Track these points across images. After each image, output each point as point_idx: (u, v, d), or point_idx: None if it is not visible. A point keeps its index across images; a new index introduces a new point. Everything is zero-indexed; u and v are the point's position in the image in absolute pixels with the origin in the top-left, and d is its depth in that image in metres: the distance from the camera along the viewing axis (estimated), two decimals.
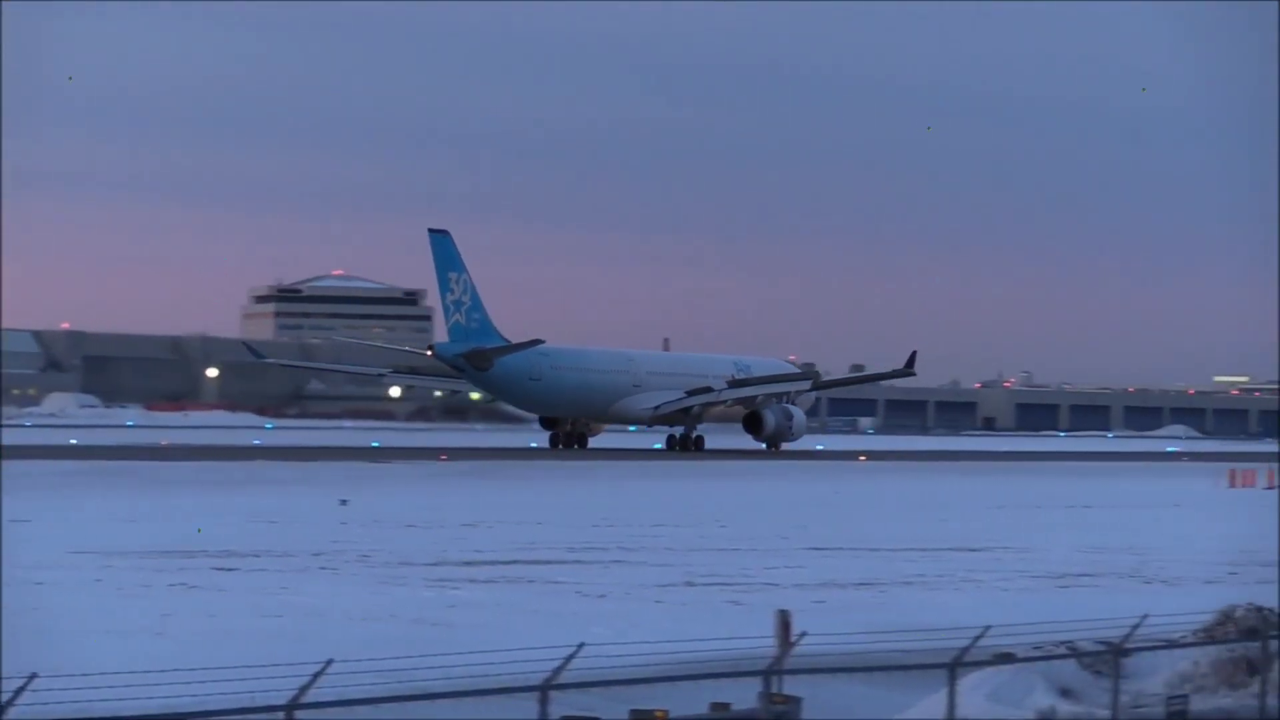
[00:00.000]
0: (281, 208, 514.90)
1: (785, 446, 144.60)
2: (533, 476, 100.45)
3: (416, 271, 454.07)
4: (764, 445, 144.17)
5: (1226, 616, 34.09)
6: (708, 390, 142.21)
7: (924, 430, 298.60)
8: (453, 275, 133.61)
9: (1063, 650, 31.13)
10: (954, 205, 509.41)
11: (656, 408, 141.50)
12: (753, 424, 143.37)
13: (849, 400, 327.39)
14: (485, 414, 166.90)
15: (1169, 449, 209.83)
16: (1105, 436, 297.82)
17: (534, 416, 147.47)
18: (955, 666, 24.98)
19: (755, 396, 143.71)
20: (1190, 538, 62.83)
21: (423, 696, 21.61)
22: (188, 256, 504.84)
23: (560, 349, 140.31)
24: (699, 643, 28.00)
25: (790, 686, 24.37)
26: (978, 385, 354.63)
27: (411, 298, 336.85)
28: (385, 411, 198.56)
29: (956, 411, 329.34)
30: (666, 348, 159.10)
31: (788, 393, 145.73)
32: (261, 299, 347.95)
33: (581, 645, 22.80)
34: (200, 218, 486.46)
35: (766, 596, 41.61)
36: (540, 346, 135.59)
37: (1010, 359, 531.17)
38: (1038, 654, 30.67)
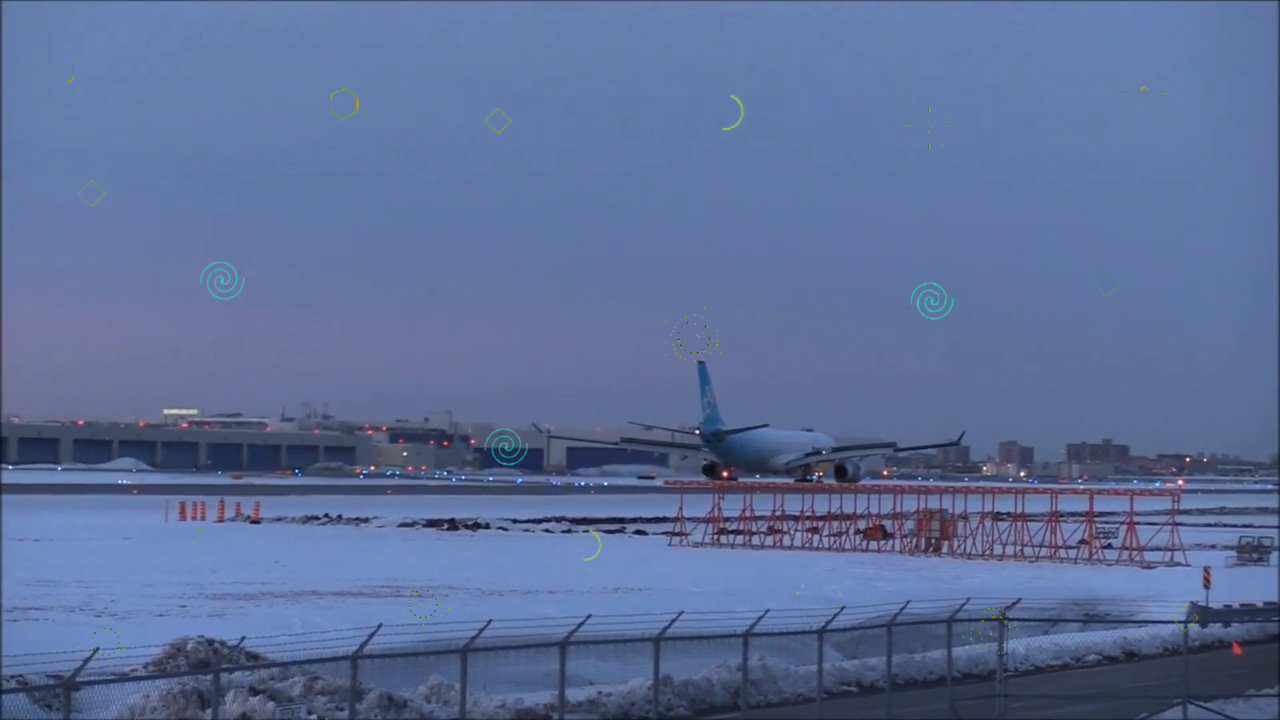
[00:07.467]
0: None
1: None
2: None
3: None
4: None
5: (178, 649, 35.17)
6: (818, 453, 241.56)
7: None
8: (707, 388, 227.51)
9: (14, 684, 31.26)
10: None
11: (788, 463, 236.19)
12: (840, 472, 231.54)
13: None
14: None
15: (121, 481, 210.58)
16: (55, 469, 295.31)
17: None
18: None
19: (851, 456, 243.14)
20: (141, 571, 63.74)
21: None
22: None
23: (746, 432, 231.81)
24: None
25: None
26: None
27: None
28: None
29: None
30: None
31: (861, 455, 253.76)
32: None
33: None
34: None
35: None
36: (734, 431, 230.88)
37: None
38: None
